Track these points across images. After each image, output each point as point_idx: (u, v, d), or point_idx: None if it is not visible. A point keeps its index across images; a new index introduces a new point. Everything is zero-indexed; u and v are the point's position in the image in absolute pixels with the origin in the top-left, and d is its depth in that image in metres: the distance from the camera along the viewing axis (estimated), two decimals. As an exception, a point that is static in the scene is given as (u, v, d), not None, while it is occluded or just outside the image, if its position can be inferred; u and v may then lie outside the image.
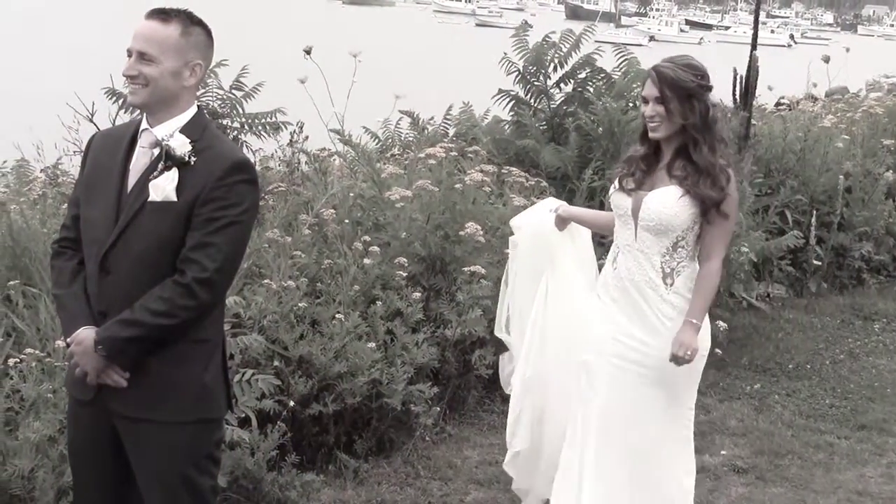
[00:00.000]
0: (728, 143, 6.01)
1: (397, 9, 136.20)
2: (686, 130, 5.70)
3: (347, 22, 69.51)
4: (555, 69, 11.11)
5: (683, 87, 5.64)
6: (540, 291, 6.49)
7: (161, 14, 4.60)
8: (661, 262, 5.81)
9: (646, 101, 5.78)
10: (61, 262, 4.80)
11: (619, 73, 11.18)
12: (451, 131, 11.25)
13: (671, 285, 5.81)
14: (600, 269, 6.29)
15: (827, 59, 16.02)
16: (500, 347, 8.23)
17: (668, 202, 5.74)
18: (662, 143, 5.81)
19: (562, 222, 6.40)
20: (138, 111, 4.93)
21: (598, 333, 6.01)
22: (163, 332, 4.52)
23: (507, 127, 11.08)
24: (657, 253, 5.82)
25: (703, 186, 5.67)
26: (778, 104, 16.09)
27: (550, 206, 6.59)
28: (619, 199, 5.93)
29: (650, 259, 5.83)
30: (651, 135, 5.77)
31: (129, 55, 4.57)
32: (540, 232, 6.49)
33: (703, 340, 5.94)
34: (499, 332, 6.86)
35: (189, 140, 4.57)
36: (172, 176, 4.53)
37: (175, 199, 4.51)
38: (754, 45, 12.74)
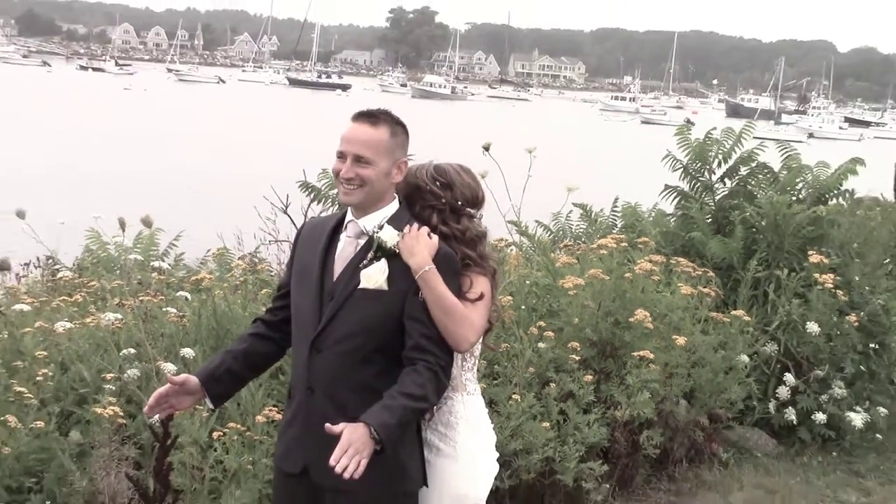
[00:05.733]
0: None
1: (561, 101, 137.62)
2: None
3: (514, 117, 70.36)
4: (718, 164, 11.00)
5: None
6: None
7: (370, 117, 4.63)
8: None
9: None
10: (246, 331, 5.05)
11: (783, 170, 11.08)
12: (619, 223, 11.18)
13: None
14: None
15: None
16: (667, 430, 8.63)
17: None
18: None
19: None
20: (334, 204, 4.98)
21: None
22: (416, 416, 4.55)
23: (672, 220, 10.94)
24: None
25: None
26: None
27: None
28: None
29: None
30: None
31: (342, 157, 4.61)
32: None
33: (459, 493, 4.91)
34: None
35: (397, 233, 4.57)
36: (383, 266, 4.55)
37: (387, 288, 4.54)
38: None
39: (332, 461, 4.18)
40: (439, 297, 4.54)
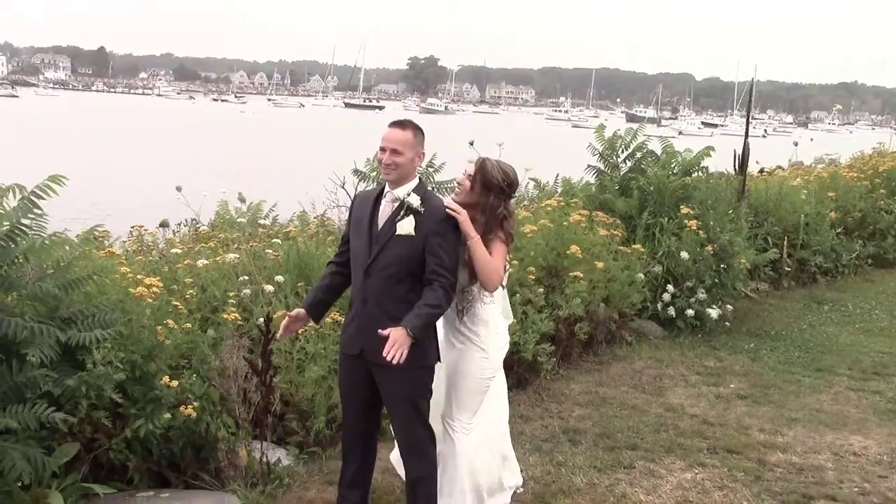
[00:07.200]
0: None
1: (520, 114, 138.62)
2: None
3: (490, 125, 70.29)
4: (622, 151, 10.81)
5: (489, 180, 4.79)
6: None
7: (401, 124, 4.57)
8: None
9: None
10: (325, 271, 4.91)
11: (663, 154, 10.87)
12: (559, 189, 10.92)
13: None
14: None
15: (796, 144, 16.29)
16: (592, 322, 8.46)
17: None
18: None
19: None
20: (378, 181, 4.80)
21: None
22: (436, 319, 4.54)
23: (593, 187, 10.78)
24: None
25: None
26: (760, 171, 15.83)
27: None
28: None
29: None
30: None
31: (383, 150, 4.54)
32: None
33: (482, 368, 4.89)
34: None
35: (419, 198, 4.52)
36: (410, 220, 4.48)
37: (414, 234, 4.47)
38: (746, 136, 12.59)
39: (384, 353, 4.23)
40: (480, 256, 4.58)
